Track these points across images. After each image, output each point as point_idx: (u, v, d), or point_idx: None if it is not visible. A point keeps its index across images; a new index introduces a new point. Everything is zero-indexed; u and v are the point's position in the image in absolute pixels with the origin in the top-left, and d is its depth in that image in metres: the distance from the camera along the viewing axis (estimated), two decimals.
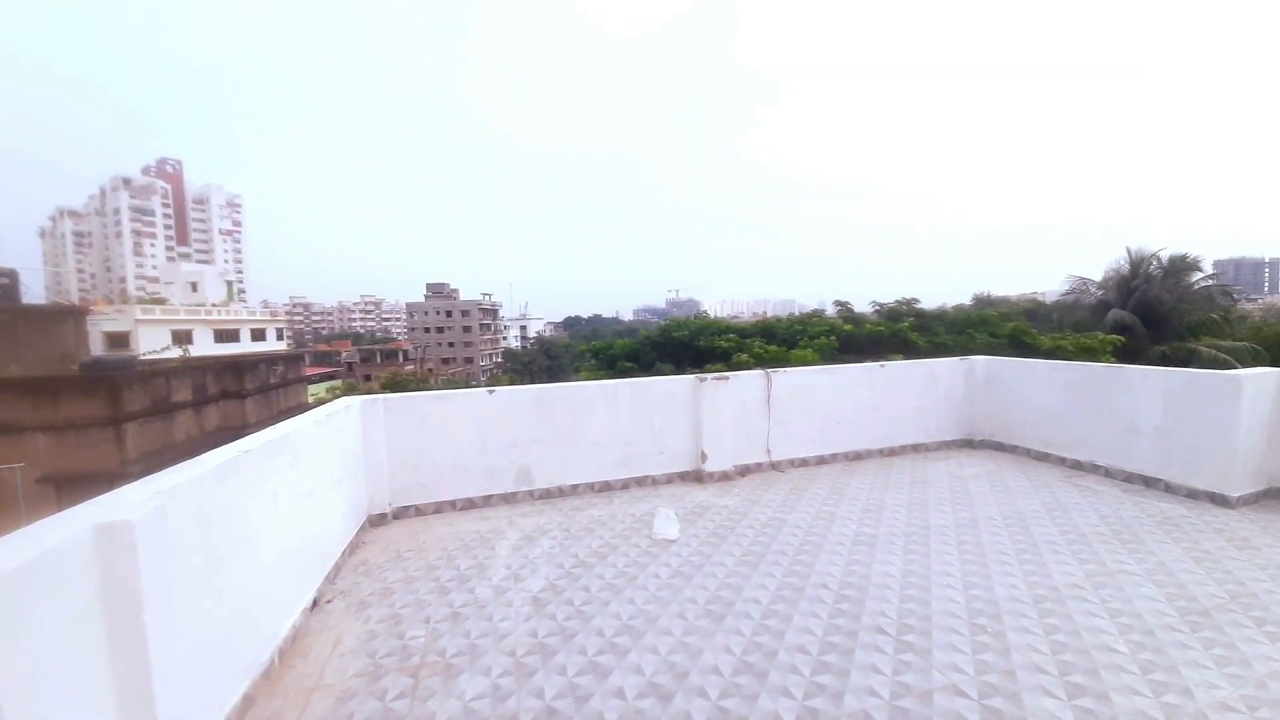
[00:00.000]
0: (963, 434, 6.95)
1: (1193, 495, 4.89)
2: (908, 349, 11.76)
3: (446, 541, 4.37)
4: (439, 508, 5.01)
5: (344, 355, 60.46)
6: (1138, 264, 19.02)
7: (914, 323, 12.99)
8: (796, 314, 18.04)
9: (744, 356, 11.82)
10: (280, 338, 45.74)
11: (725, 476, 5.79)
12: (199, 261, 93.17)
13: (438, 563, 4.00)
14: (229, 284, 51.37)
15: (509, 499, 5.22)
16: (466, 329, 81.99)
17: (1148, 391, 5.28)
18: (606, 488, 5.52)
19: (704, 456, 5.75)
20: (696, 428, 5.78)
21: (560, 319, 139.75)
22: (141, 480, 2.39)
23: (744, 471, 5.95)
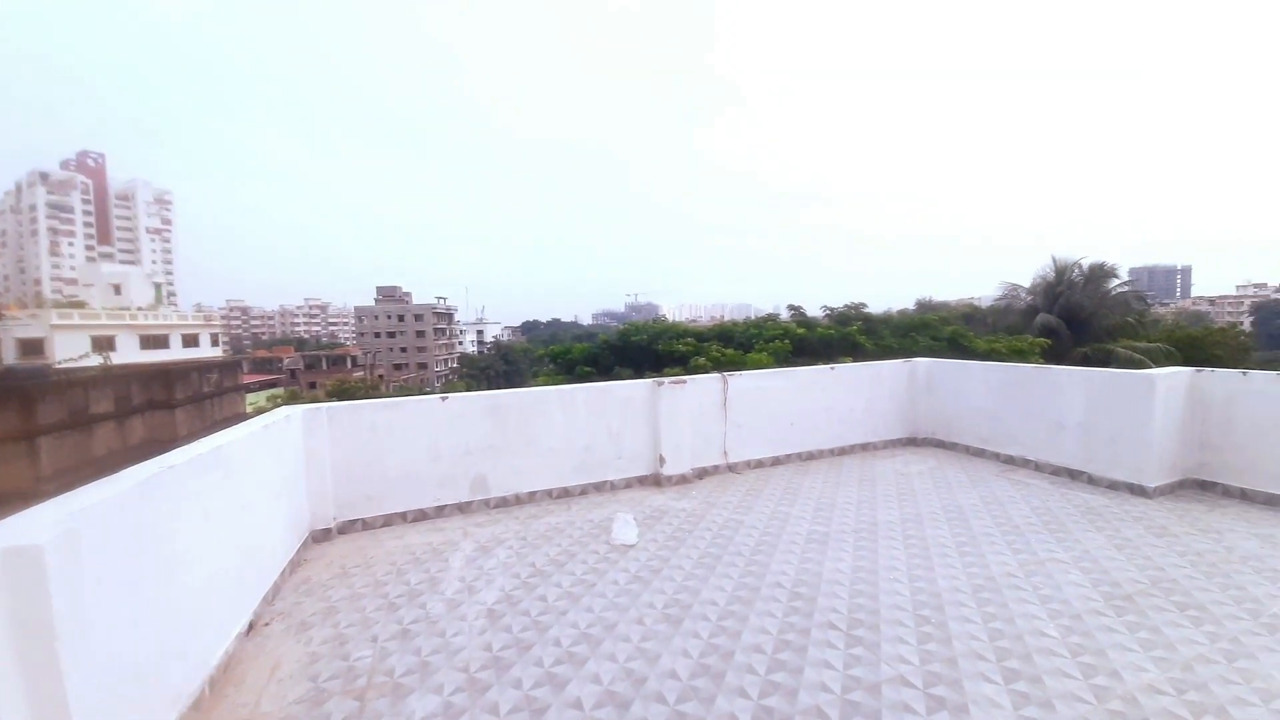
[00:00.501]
0: (907, 432, 7.26)
1: (1113, 486, 5.27)
2: (856, 351, 12.19)
3: (396, 555, 4.21)
4: (388, 520, 4.82)
5: (286, 362, 57.52)
6: (1062, 271, 20.46)
7: (862, 326, 13.50)
8: (752, 318, 18.43)
9: (702, 360, 11.96)
10: (215, 343, 43.15)
11: (683, 480, 5.83)
12: (123, 262, 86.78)
13: (386, 578, 3.85)
14: (157, 286, 47.87)
15: (463, 509, 5.08)
16: (420, 334, 79.67)
17: (1072, 390, 5.67)
18: (565, 494, 5.46)
19: (662, 460, 5.78)
20: (654, 432, 5.80)
21: (518, 323, 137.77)
22: (54, 500, 2.20)
23: (701, 474, 6.01)
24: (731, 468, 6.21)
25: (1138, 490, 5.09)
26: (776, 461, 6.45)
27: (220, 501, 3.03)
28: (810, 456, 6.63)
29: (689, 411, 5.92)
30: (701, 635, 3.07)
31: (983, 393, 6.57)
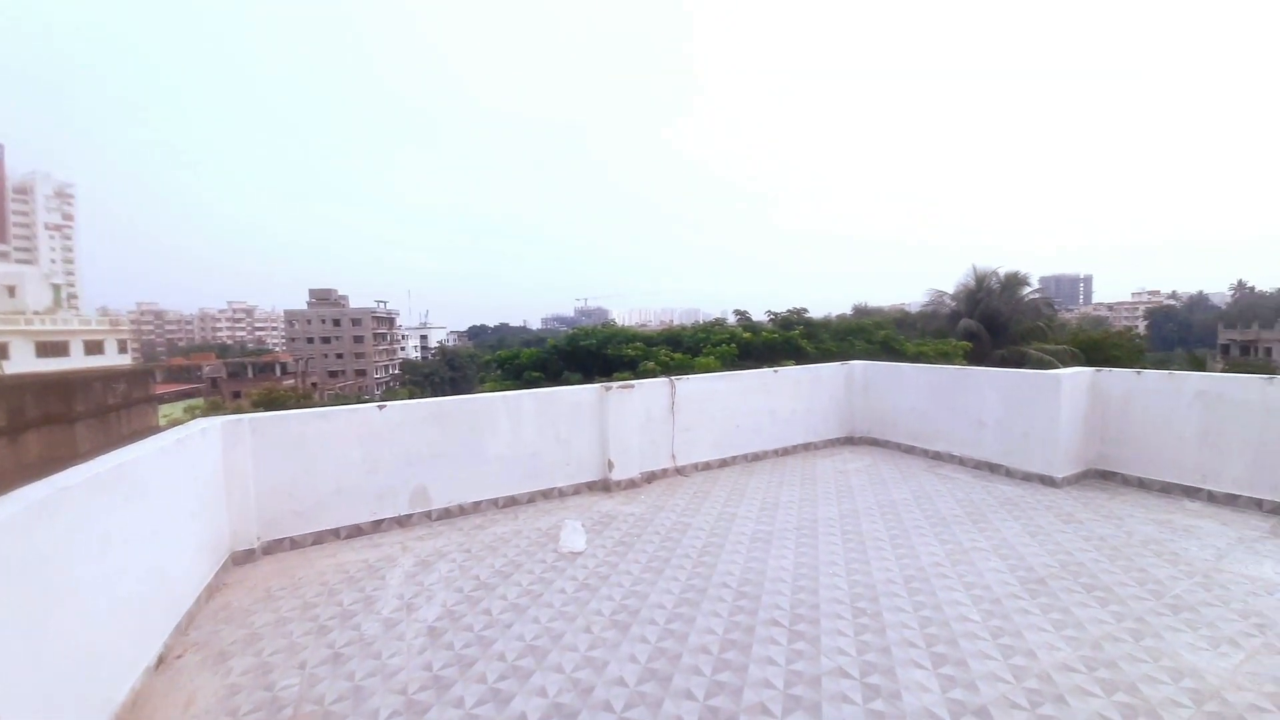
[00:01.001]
0: (845, 432, 7.58)
1: (1027, 478, 5.69)
2: (798, 355, 12.64)
3: (328, 575, 3.98)
4: (319, 538, 4.55)
5: (207, 370, 53.42)
6: (982, 279, 22.07)
7: (803, 331, 14.01)
8: (700, 322, 18.81)
9: (651, 364, 12.05)
10: (124, 350, 39.59)
11: (632, 484, 5.84)
12: (19, 261, 78.11)
13: (316, 600, 3.63)
14: (56, 288, 43.39)
15: (403, 522, 4.87)
16: (358, 339, 76.02)
17: (990, 390, 6.10)
18: (511, 503, 5.35)
19: (611, 465, 5.76)
20: (603, 437, 5.77)
21: (465, 328, 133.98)
22: None
23: (650, 478, 6.03)
24: (680, 470, 6.27)
25: (1048, 481, 5.52)
26: (723, 463, 6.57)
27: (123, 524, 2.77)
28: (756, 457, 6.80)
29: (637, 416, 5.93)
30: (649, 640, 3.07)
31: (912, 393, 6.95)
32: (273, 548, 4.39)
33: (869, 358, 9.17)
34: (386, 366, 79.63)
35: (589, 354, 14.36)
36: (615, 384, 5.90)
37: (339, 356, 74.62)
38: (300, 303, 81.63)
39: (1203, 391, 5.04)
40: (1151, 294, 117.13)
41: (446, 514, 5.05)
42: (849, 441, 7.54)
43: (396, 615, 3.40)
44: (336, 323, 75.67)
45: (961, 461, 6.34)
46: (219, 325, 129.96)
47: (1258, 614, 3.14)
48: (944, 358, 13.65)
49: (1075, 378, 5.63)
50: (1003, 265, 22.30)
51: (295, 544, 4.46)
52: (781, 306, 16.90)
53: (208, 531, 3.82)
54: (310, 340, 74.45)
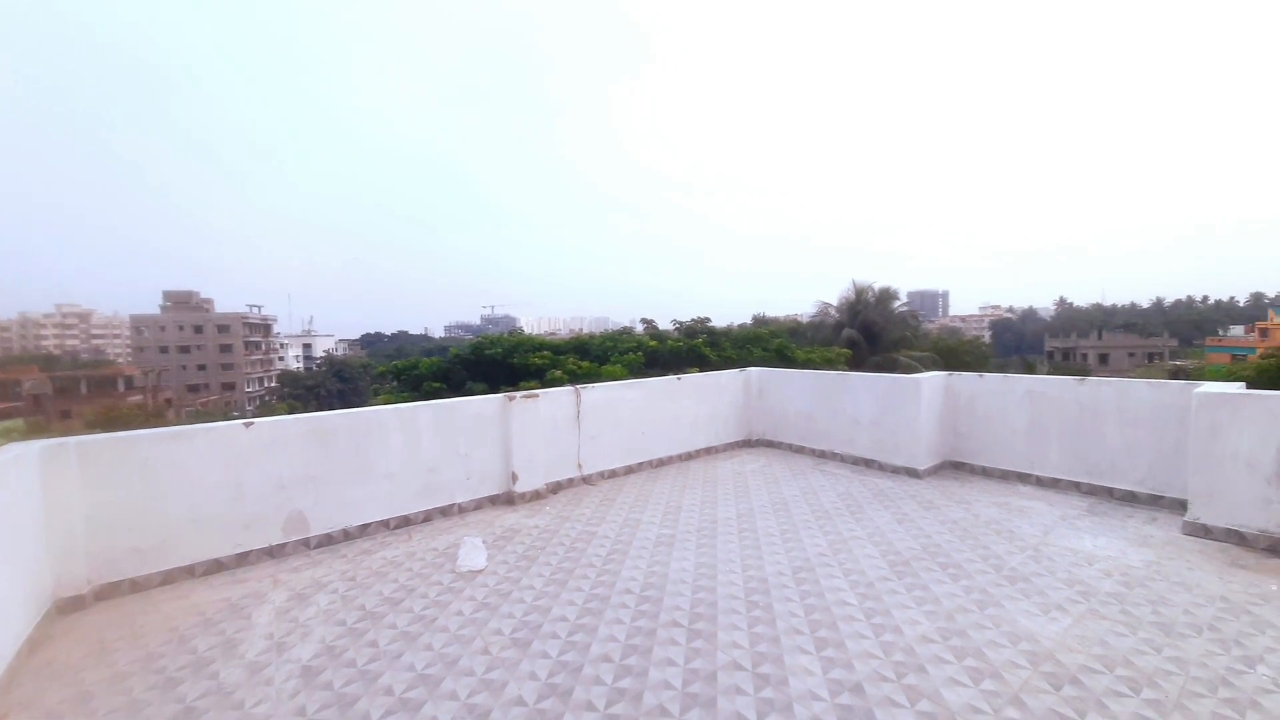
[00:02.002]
0: (743, 435, 7.98)
1: (896, 471, 6.34)
2: (702, 362, 13.12)
3: (179, 619, 3.48)
4: (169, 577, 3.97)
5: (27, 385, 44.76)
6: (861, 293, 24.47)
7: (707, 339, 14.57)
8: (609, 330, 19.00)
9: (558, 373, 11.90)
10: None
11: (537, 495, 5.72)
12: None
13: (164, 649, 3.16)
14: None
15: (274, 553, 4.39)
16: (225, 348, 67.71)
17: (865, 392, 6.74)
18: (405, 523, 5.02)
19: (515, 477, 5.61)
20: (506, 448, 5.61)
21: (358, 336, 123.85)
22: None
23: (556, 488, 5.96)
24: (586, 479, 6.25)
25: (912, 473, 6.19)
26: (630, 470, 6.65)
27: None
28: (661, 463, 6.95)
29: (542, 425, 5.84)
30: (551, 654, 3.02)
31: (801, 397, 7.49)
32: (108, 592, 3.77)
33: (765, 364, 9.77)
34: (262, 379, 71.63)
35: (494, 363, 13.89)
36: (519, 394, 5.77)
37: (201, 368, 65.98)
38: (152, 307, 71.23)
39: (1030, 391, 5.93)
40: (994, 308, 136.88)
41: (328, 540, 4.63)
42: (747, 444, 7.94)
43: (264, 657, 3.06)
44: (198, 329, 66.87)
45: (842, 458, 6.92)
46: (44, 332, 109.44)
47: (1081, 583, 3.70)
48: (829, 364, 14.83)
49: (932, 380, 6.37)
50: (877, 281, 24.94)
51: (137, 586, 3.86)
52: (687, 315, 17.52)
53: (23, 577, 3.20)
54: (164, 350, 65.13)
